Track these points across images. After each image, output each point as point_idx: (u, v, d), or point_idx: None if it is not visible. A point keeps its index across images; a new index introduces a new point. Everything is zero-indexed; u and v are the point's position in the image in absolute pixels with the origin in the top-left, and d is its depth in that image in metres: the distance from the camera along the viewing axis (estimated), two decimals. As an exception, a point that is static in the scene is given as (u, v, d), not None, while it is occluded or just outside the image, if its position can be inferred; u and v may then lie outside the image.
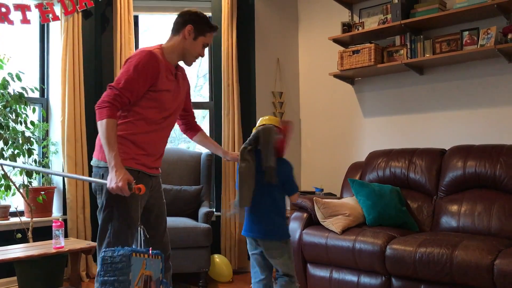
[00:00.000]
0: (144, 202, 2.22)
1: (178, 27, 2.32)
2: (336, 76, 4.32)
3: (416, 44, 3.85)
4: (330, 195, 4.22)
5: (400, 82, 4.16)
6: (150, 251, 1.94)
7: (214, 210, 4.43)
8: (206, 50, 2.64)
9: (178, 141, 5.21)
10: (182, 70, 2.45)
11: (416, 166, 3.60)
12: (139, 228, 2.09)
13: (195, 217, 4.00)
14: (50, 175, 4.20)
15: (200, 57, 2.39)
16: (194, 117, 2.66)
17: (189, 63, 2.39)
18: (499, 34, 3.46)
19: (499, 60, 3.59)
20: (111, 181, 2.00)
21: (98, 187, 2.20)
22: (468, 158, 3.36)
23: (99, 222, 2.18)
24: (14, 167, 3.75)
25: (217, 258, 4.10)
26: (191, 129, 2.64)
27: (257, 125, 2.64)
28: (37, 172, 4.02)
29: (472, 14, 3.56)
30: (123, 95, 2.10)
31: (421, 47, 3.82)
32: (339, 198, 3.84)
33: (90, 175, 4.13)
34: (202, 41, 2.34)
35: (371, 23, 4.21)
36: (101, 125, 2.05)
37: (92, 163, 2.26)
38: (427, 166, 3.56)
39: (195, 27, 2.30)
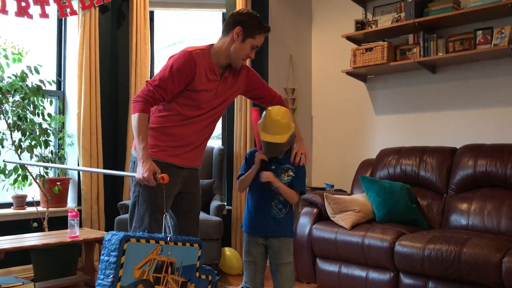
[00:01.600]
0: (173, 191, 2.28)
1: (227, 28, 2.29)
2: (348, 73, 4.35)
3: (429, 43, 3.86)
4: (341, 191, 4.25)
5: (412, 80, 4.17)
6: (169, 238, 2.00)
7: (226, 203, 4.48)
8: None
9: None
10: (238, 70, 2.39)
11: (426, 164, 3.62)
12: (164, 216, 2.14)
13: (206, 210, 4.06)
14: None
15: (249, 58, 2.36)
16: (274, 98, 2.54)
17: (236, 65, 2.34)
18: (513, 34, 3.46)
19: (513, 60, 3.59)
20: (139, 172, 2.09)
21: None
22: (479, 157, 3.37)
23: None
24: (43, 166, 3.89)
25: (227, 251, 4.16)
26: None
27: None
28: (60, 170, 4.11)
29: (486, 13, 3.57)
30: (156, 91, 2.16)
31: (434, 45, 3.83)
32: (349, 195, 3.87)
33: (105, 167, 4.24)
34: (251, 43, 2.28)
35: (385, 21, 4.22)
36: (133, 118, 2.15)
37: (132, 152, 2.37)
38: (437, 164, 3.58)
39: (243, 29, 2.25)
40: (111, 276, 1.89)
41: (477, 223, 3.19)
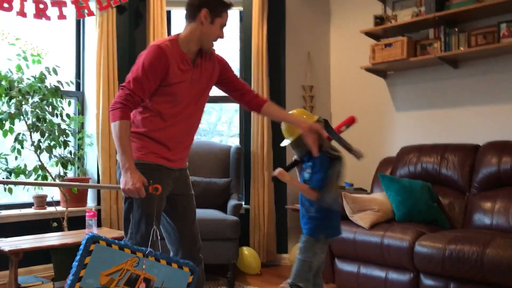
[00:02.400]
0: (165, 193, 2.20)
1: (192, 13, 2.23)
2: (367, 69, 4.27)
3: (451, 37, 3.76)
4: (361, 190, 4.18)
5: (433, 76, 4.07)
6: (152, 253, 1.90)
7: (243, 203, 4.46)
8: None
9: (211, 134, 5.27)
10: (208, 54, 2.33)
11: (448, 162, 3.53)
12: (153, 229, 2.05)
13: (224, 209, 4.04)
14: (85, 165, 4.33)
15: (220, 39, 2.28)
16: (250, 92, 2.46)
17: (208, 48, 2.28)
18: (538, 26, 3.34)
19: (538, 53, 3.46)
20: (126, 183, 1.99)
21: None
22: (503, 154, 3.26)
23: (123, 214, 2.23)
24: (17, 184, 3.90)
25: (245, 250, 4.14)
26: (253, 106, 2.46)
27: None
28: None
29: (510, 5, 3.44)
30: (135, 94, 2.09)
31: (456, 40, 3.73)
32: (369, 193, 3.80)
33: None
34: (220, 22, 2.23)
35: (404, 16, 4.13)
36: (114, 127, 2.05)
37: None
38: (460, 161, 3.48)
39: (210, 10, 2.19)
40: (72, 273, 1.83)
41: (502, 223, 3.08)
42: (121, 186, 2.02)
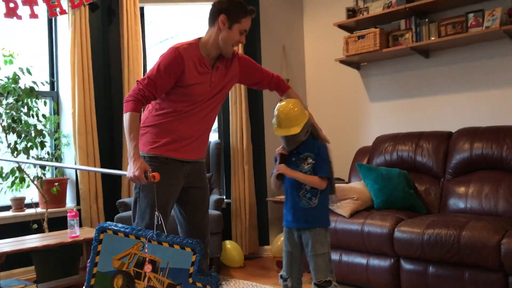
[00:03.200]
0: (176, 187, 2.30)
1: (212, 18, 2.30)
2: (342, 61, 4.34)
3: (421, 28, 3.85)
4: (338, 180, 4.26)
5: (406, 66, 4.17)
6: (149, 237, 2.06)
7: (225, 197, 4.49)
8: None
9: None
10: (230, 59, 2.40)
11: (423, 149, 3.63)
12: (156, 215, 2.15)
13: (205, 204, 4.06)
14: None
15: (240, 44, 2.37)
16: (272, 80, 2.56)
17: (227, 53, 2.34)
18: (505, 15, 3.45)
19: (505, 42, 3.59)
20: (129, 171, 2.11)
21: None
22: (475, 140, 3.38)
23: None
24: (47, 166, 3.88)
25: (228, 244, 4.18)
26: (278, 89, 2.60)
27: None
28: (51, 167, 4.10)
29: (477, -4, 3.56)
30: (146, 90, 2.19)
31: (426, 30, 3.83)
32: (347, 183, 3.88)
33: (102, 166, 4.24)
34: (238, 28, 2.28)
35: (376, 8, 4.20)
36: (125, 117, 2.18)
37: None
38: (434, 149, 3.59)
39: (228, 16, 2.25)
40: (89, 260, 2.15)
41: (475, 206, 3.20)
42: (127, 173, 2.14)
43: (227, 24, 2.26)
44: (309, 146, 2.40)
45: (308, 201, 2.39)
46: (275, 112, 2.40)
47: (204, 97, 2.31)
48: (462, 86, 3.85)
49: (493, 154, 3.27)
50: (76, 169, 4.22)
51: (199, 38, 2.34)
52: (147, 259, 2.04)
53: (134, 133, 2.16)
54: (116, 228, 2.13)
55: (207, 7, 4.92)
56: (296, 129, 2.34)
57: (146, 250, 2.05)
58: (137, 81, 2.24)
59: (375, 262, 3.17)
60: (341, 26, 4.32)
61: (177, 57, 2.21)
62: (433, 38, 3.78)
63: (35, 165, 3.92)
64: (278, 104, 2.42)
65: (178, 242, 2.02)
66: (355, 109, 4.53)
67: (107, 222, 2.22)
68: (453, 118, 3.87)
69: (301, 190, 2.39)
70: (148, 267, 2.03)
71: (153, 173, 2.08)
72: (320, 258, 2.36)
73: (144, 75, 4.42)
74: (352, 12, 4.25)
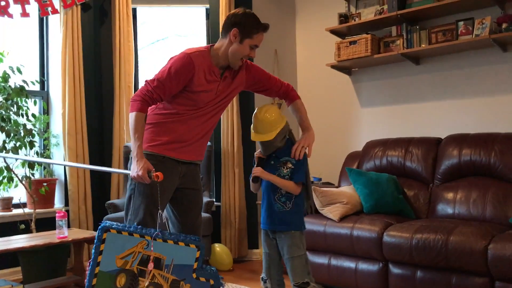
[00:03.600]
0: (170, 186, 2.30)
1: (225, 30, 2.31)
2: (333, 66, 4.37)
3: (412, 35, 3.89)
4: (328, 184, 4.28)
5: (396, 72, 4.20)
6: (159, 235, 2.09)
7: (214, 200, 4.49)
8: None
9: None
10: (239, 70, 2.41)
11: (412, 155, 3.66)
12: (159, 214, 2.20)
13: (195, 207, 4.06)
14: (51, 167, 4.25)
15: (250, 58, 2.36)
16: (281, 89, 2.57)
17: (234, 66, 2.35)
18: (494, 24, 3.51)
19: (494, 50, 3.64)
20: (133, 170, 2.14)
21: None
22: (464, 147, 3.42)
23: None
24: (36, 162, 3.86)
25: (217, 247, 4.17)
26: (286, 98, 2.62)
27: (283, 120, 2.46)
28: (42, 164, 4.07)
29: (467, 5, 3.61)
30: (155, 92, 2.20)
31: (417, 37, 3.87)
32: (337, 187, 3.90)
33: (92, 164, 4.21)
34: (249, 43, 2.29)
35: (368, 14, 4.25)
36: (131, 117, 2.19)
37: None
38: (423, 154, 3.62)
39: (240, 30, 2.27)
40: (91, 260, 2.15)
41: (463, 212, 3.24)
42: (130, 173, 2.16)
43: (238, 38, 2.27)
44: (288, 151, 2.44)
45: (283, 205, 2.42)
46: (253, 117, 2.45)
47: (207, 104, 2.33)
48: (452, 92, 3.89)
49: (482, 161, 3.30)
50: (77, 167, 4.15)
51: (211, 46, 2.35)
52: (151, 257, 2.07)
53: (139, 133, 2.17)
54: (119, 227, 2.14)
55: (199, 9, 4.94)
56: (270, 135, 2.38)
57: (152, 248, 2.08)
58: (145, 81, 2.25)
59: (363, 266, 3.18)
60: (333, 32, 4.35)
61: (189, 63, 2.22)
62: (423, 45, 3.82)
63: (39, 163, 3.94)
64: (257, 109, 2.46)
65: (182, 239, 2.10)
66: (346, 114, 4.56)
67: (109, 221, 2.22)
68: (442, 125, 3.91)
69: (276, 194, 2.43)
70: (150, 265, 2.07)
71: (156, 173, 2.10)
72: (297, 260, 2.39)
73: (135, 76, 4.46)
74: (344, 18, 4.28)
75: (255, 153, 2.50)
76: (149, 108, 2.34)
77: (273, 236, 2.47)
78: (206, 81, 2.28)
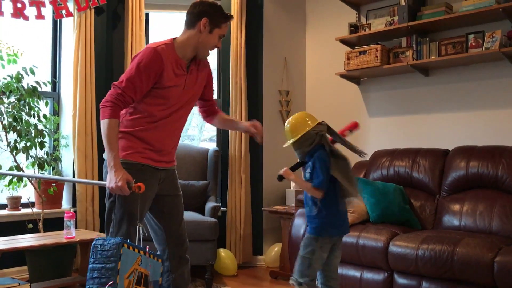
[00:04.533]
0: (150, 193, 2.22)
1: (192, 20, 2.25)
2: (342, 76, 4.39)
3: (422, 46, 3.92)
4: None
5: (405, 83, 4.22)
6: (147, 250, 1.95)
7: (221, 205, 4.51)
8: (216, 49, 2.53)
9: (182, 138, 5.28)
10: (201, 61, 2.37)
11: (419, 166, 3.67)
12: (138, 226, 2.08)
13: (202, 211, 4.08)
14: (60, 167, 4.29)
15: (216, 48, 2.34)
16: (214, 106, 2.57)
17: (203, 56, 2.33)
18: (504, 38, 3.52)
19: (503, 63, 3.65)
20: (111, 181, 2.02)
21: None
22: (471, 159, 3.43)
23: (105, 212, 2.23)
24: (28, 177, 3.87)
25: (222, 252, 4.19)
26: (209, 115, 2.58)
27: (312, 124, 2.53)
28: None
29: (477, 18, 3.63)
30: (126, 94, 2.11)
31: (427, 49, 3.89)
32: (343, 196, 3.91)
33: (100, 169, 4.24)
34: (218, 33, 2.27)
35: (378, 25, 4.28)
36: (103, 124, 2.08)
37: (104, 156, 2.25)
38: (430, 166, 3.63)
39: (210, 20, 2.23)
40: (110, 283, 1.78)
41: (469, 224, 3.24)
42: (106, 183, 2.05)
43: (208, 28, 2.24)
44: (313, 157, 2.48)
45: (310, 209, 2.49)
46: None
47: (177, 100, 2.26)
48: (460, 105, 3.90)
49: (489, 173, 3.31)
50: (57, 180, 4.14)
51: (174, 39, 2.28)
52: (144, 274, 1.92)
53: (114, 141, 2.07)
54: (129, 242, 1.91)
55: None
56: (292, 140, 2.48)
57: (150, 265, 1.93)
58: (112, 84, 2.15)
59: (369, 275, 3.19)
60: (343, 41, 4.38)
61: (157, 57, 2.14)
62: (433, 57, 3.84)
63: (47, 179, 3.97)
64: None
65: (155, 254, 2.01)
66: (354, 123, 4.57)
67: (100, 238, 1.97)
68: (450, 136, 3.92)
69: (306, 197, 2.54)
70: (150, 284, 1.93)
71: (138, 184, 2.00)
72: (300, 259, 2.49)
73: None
74: (354, 28, 4.31)
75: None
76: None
77: None
78: (175, 75, 2.20)
